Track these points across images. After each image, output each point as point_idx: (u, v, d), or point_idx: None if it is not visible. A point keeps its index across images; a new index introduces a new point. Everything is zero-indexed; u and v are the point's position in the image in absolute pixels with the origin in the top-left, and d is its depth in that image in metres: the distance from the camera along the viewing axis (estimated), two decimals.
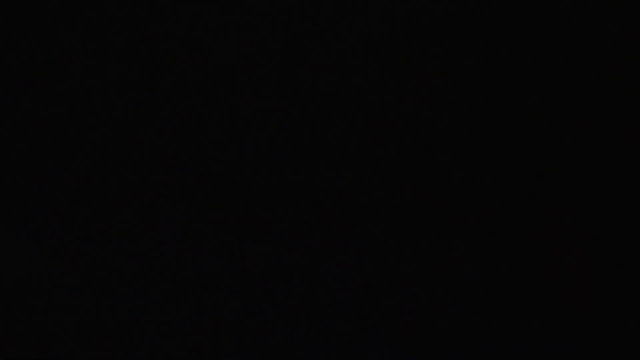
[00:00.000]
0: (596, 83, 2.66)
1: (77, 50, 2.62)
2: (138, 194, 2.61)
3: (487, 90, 2.66)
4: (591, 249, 2.64)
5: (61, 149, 2.60)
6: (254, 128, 2.63)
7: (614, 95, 2.66)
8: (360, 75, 2.65)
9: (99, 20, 2.62)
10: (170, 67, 2.63)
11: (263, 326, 2.61)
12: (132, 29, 2.63)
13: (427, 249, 2.63)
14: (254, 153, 2.63)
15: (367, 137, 2.64)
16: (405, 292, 2.62)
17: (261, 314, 2.61)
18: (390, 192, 2.64)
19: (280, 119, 2.64)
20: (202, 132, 2.63)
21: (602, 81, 2.66)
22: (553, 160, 2.65)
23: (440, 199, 2.64)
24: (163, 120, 2.62)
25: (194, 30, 2.64)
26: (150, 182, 2.61)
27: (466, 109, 2.65)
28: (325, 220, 2.62)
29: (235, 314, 2.61)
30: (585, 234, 2.64)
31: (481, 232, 2.63)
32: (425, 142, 2.64)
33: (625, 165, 2.64)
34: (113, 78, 2.62)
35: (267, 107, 2.64)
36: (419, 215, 2.63)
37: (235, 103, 2.64)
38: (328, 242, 2.62)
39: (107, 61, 2.62)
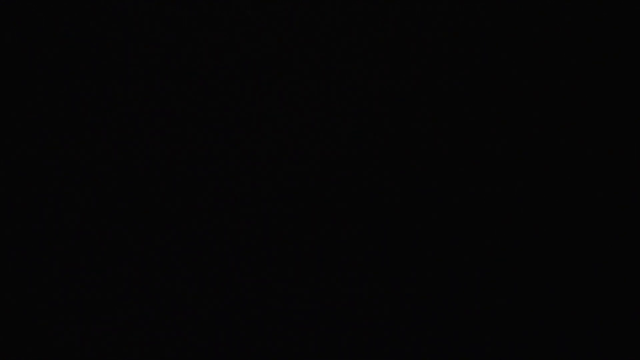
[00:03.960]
0: (596, 83, 2.66)
1: (77, 50, 2.63)
2: (137, 194, 2.62)
3: (487, 90, 2.66)
4: (591, 249, 2.64)
5: (60, 149, 2.61)
6: (254, 128, 2.64)
7: (614, 95, 2.66)
8: (360, 76, 2.66)
9: (98, 20, 2.63)
10: (169, 67, 2.64)
11: (262, 326, 2.61)
12: (131, 28, 2.64)
13: (426, 248, 2.63)
14: (253, 153, 2.64)
15: (366, 137, 2.65)
16: (405, 292, 2.62)
17: (260, 314, 2.61)
18: (390, 192, 2.64)
19: (280, 119, 2.64)
20: (202, 132, 2.64)
21: (602, 81, 2.66)
22: (553, 160, 2.65)
23: (440, 199, 2.64)
24: (162, 120, 2.63)
25: (193, 31, 2.65)
26: (149, 182, 2.62)
27: (466, 109, 2.65)
28: (324, 220, 2.63)
29: (234, 314, 2.61)
30: (585, 233, 2.64)
31: (481, 232, 2.64)
32: (425, 142, 2.65)
33: (625, 165, 2.65)
34: (112, 78, 2.63)
35: (267, 107, 2.65)
36: (419, 215, 2.63)
37: (234, 103, 2.65)
38: (328, 242, 2.63)
39: (107, 61, 2.63)
